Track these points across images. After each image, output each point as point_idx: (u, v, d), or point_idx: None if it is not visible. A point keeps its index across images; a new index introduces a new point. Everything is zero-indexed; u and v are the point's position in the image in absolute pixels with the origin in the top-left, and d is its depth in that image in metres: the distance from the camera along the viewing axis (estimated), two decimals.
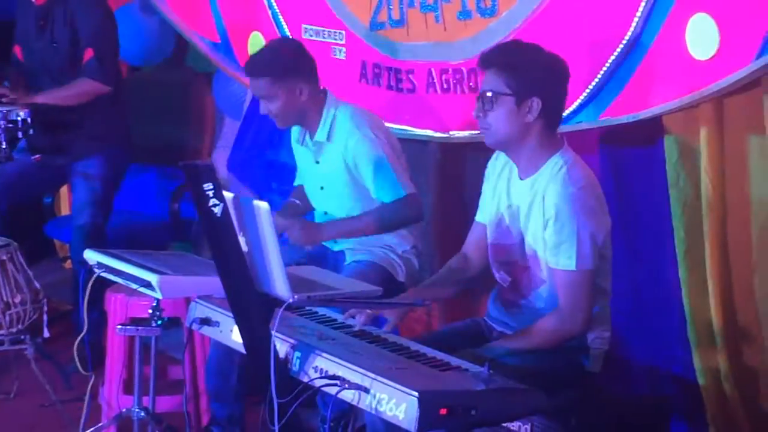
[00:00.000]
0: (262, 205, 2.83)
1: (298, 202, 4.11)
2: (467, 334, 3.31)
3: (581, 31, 3.86)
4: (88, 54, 4.72)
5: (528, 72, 3.09)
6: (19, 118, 4.51)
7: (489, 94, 3.10)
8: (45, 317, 4.32)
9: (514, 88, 3.08)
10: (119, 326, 3.66)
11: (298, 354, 2.87)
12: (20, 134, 4.57)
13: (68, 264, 5.81)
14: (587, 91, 3.86)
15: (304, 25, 4.98)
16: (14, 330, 4.23)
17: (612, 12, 3.76)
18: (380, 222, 3.81)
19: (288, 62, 3.84)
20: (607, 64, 3.78)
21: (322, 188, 3.97)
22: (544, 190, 3.11)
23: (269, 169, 5.15)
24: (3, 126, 4.52)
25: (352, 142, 3.82)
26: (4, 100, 4.66)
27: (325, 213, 3.99)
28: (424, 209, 3.89)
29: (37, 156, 4.89)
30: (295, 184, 4.21)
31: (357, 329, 3.09)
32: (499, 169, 3.31)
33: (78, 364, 3.84)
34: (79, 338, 3.76)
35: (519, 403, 2.68)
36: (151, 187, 5.77)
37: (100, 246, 3.90)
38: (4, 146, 4.54)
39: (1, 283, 4.20)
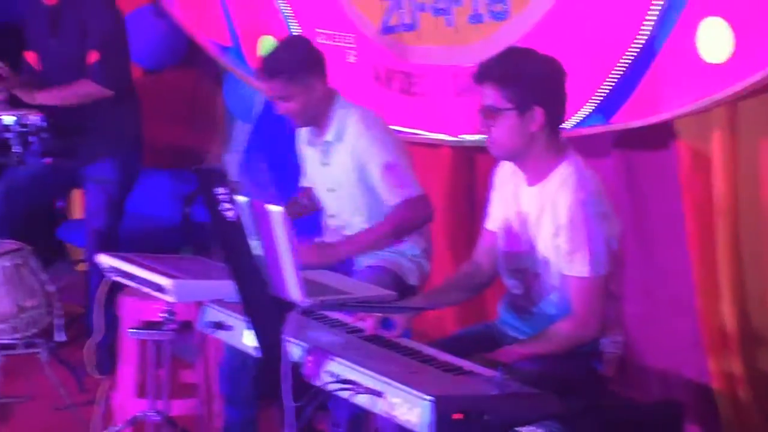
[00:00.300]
0: (276, 209, 2.83)
1: (306, 201, 4.10)
2: (480, 338, 3.29)
3: (591, 35, 3.87)
4: (93, 56, 4.71)
5: (526, 83, 3.05)
6: (32, 122, 4.52)
7: (490, 109, 3.08)
8: (59, 321, 4.34)
9: (515, 101, 3.05)
10: (132, 330, 3.67)
11: (311, 358, 2.87)
12: (33, 138, 4.58)
13: (80, 267, 5.83)
14: (598, 94, 3.86)
15: (316, 29, 4.99)
16: (28, 334, 4.25)
17: (622, 15, 3.77)
18: (394, 229, 3.77)
19: (301, 60, 3.82)
20: (618, 68, 3.78)
21: (330, 190, 3.96)
22: (554, 197, 3.09)
23: (280, 172, 5.16)
24: (17, 130, 4.53)
25: (361, 144, 3.81)
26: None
27: (333, 216, 3.98)
28: (432, 212, 3.87)
29: (49, 159, 4.89)
30: (300, 185, 4.20)
31: (369, 333, 3.09)
32: (506, 176, 3.30)
33: (91, 367, 3.84)
34: (92, 342, 3.77)
35: (532, 408, 2.67)
36: (164, 191, 5.78)
37: (114, 249, 3.91)
38: (17, 150, 4.55)
39: (14, 287, 4.21)
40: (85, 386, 4.48)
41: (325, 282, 3.15)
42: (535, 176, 3.16)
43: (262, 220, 2.87)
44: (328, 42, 4.91)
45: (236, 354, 3.57)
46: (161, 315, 3.60)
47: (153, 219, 5.59)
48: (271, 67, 3.82)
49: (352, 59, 4.86)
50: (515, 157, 3.17)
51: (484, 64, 3.10)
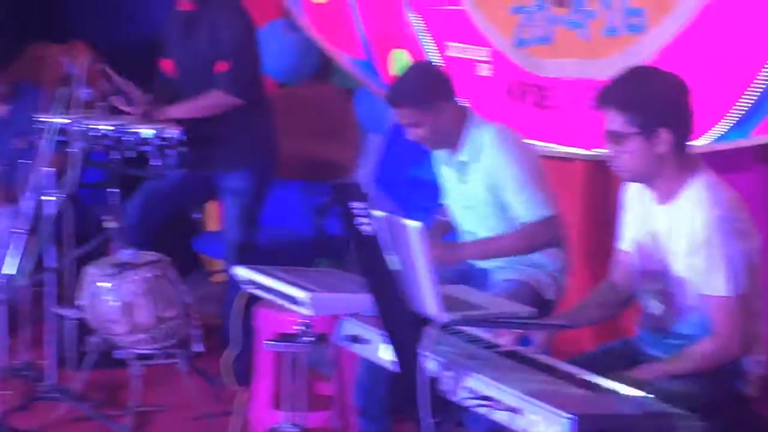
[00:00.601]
0: (414, 225, 2.83)
1: (447, 219, 4.11)
2: (618, 355, 3.25)
3: (731, 46, 3.79)
4: (222, 66, 4.75)
5: (650, 106, 3.00)
6: (172, 136, 4.58)
7: (614, 134, 3.04)
8: (197, 331, 4.41)
9: (639, 125, 3.00)
10: (268, 342, 3.71)
11: (448, 373, 2.87)
12: (171, 151, 4.65)
13: (215, 278, 5.93)
14: (740, 107, 3.79)
15: (448, 42, 4.99)
16: (167, 344, 4.32)
17: (763, 26, 3.68)
18: (518, 244, 3.79)
19: (427, 88, 3.83)
20: (759, 80, 3.70)
21: (467, 208, 3.96)
22: (688, 215, 3.03)
23: (413, 186, 5.17)
24: (156, 143, 4.61)
25: (495, 163, 3.81)
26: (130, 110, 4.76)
27: (469, 233, 3.98)
28: (562, 234, 3.83)
29: (186, 171, 4.96)
30: (441, 202, 4.21)
31: (507, 349, 3.07)
32: (635, 196, 3.25)
33: (228, 378, 3.89)
34: (229, 353, 3.81)
35: (675, 429, 2.62)
36: (296, 203, 5.84)
37: (252, 261, 3.95)
38: (155, 163, 4.63)
39: (154, 297, 4.29)
40: (222, 396, 4.54)
41: (462, 297, 3.14)
42: (666, 195, 3.11)
43: (399, 235, 2.88)
44: (459, 55, 4.91)
45: (371, 367, 3.59)
46: (297, 327, 3.63)
47: (287, 231, 5.65)
48: (396, 96, 3.85)
49: (483, 72, 4.85)
50: (644, 179, 3.13)
51: (606, 89, 3.06)
